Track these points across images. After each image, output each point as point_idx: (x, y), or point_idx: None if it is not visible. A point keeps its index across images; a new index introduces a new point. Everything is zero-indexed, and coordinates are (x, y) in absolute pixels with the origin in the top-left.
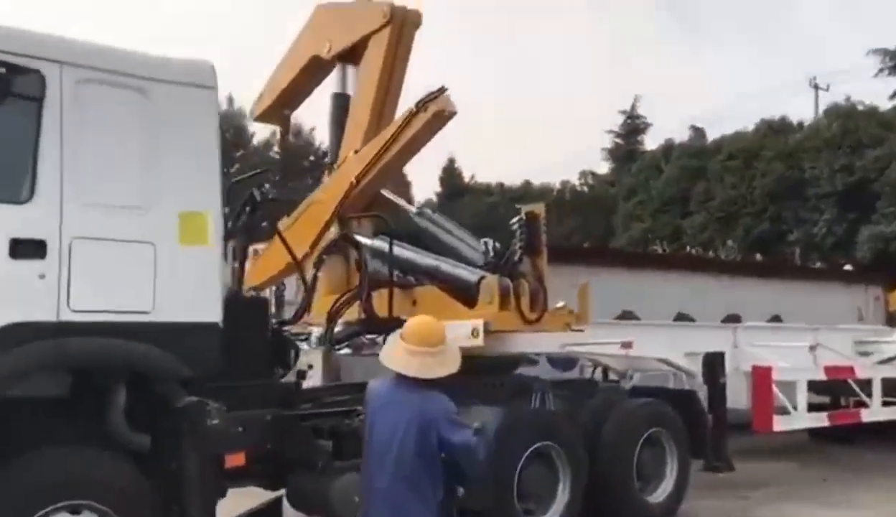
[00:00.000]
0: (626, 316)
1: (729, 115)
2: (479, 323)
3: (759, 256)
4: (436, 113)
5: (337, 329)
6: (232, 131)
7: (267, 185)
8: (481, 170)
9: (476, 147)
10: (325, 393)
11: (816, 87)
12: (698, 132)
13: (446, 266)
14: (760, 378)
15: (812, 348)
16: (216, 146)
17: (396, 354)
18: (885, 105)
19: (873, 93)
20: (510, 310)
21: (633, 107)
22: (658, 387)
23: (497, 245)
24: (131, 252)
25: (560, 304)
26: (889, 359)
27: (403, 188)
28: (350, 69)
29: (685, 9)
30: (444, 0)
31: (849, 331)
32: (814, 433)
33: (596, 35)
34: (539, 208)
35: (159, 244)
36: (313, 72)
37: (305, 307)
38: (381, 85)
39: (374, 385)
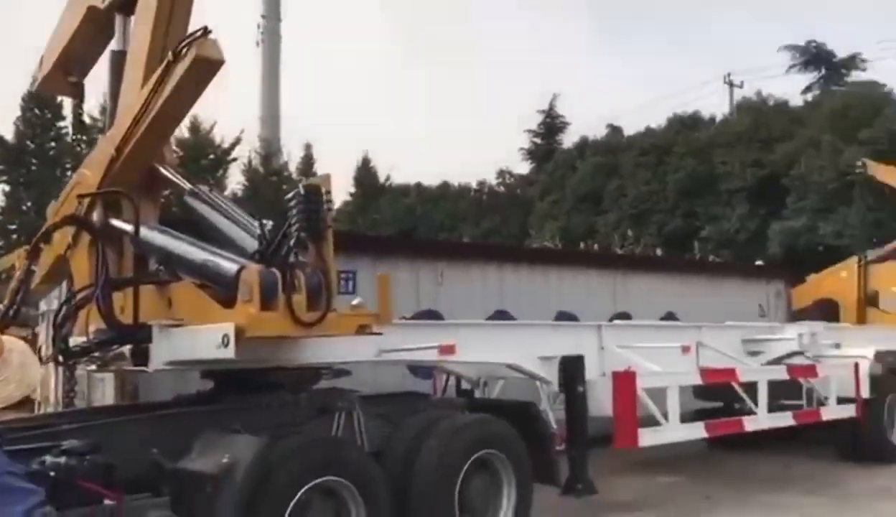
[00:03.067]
0: (499, 316)
1: (648, 113)
2: (229, 328)
3: (658, 251)
4: (195, 60)
5: (80, 339)
6: None
7: None
8: (398, 170)
9: (393, 146)
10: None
11: (731, 84)
12: (615, 130)
13: (207, 255)
14: (622, 385)
15: (686, 349)
16: None
17: None
18: (796, 100)
19: (786, 88)
20: (278, 309)
21: (552, 106)
22: (497, 399)
23: (269, 227)
24: None
25: (356, 301)
26: (779, 359)
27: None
28: (130, 21)
29: (605, 9)
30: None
31: (737, 329)
32: (713, 439)
33: (517, 34)
34: (322, 181)
35: None
36: (93, 26)
37: (14, 310)
38: (157, 38)
39: None
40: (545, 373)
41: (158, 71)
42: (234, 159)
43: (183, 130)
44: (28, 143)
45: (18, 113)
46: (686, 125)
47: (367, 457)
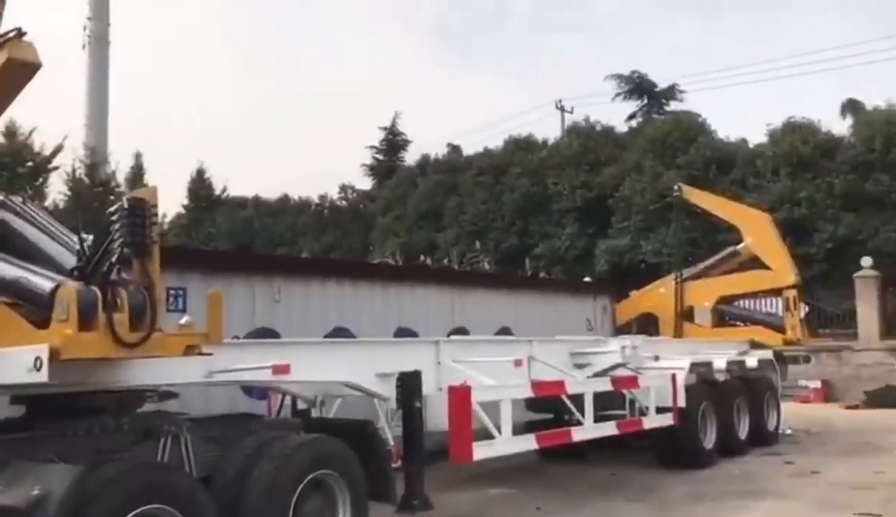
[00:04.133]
0: (338, 333)
1: (486, 134)
2: (42, 349)
3: (486, 266)
4: (6, 63)
5: None
6: None
7: None
8: (234, 182)
9: (228, 158)
10: None
11: (562, 109)
12: (455, 149)
13: (19, 272)
14: (458, 399)
15: (518, 363)
16: None
17: None
18: (621, 127)
19: (612, 115)
20: (97, 329)
21: (394, 123)
22: (333, 418)
23: (89, 242)
24: None
25: (184, 320)
26: (604, 371)
27: None
28: None
29: (452, 33)
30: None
31: (565, 343)
32: (543, 450)
33: (362, 50)
34: (148, 193)
35: None
36: None
37: None
38: None
39: None
40: (382, 390)
41: None
42: (56, 168)
43: None
44: None
45: None
46: (521, 147)
47: (195, 483)
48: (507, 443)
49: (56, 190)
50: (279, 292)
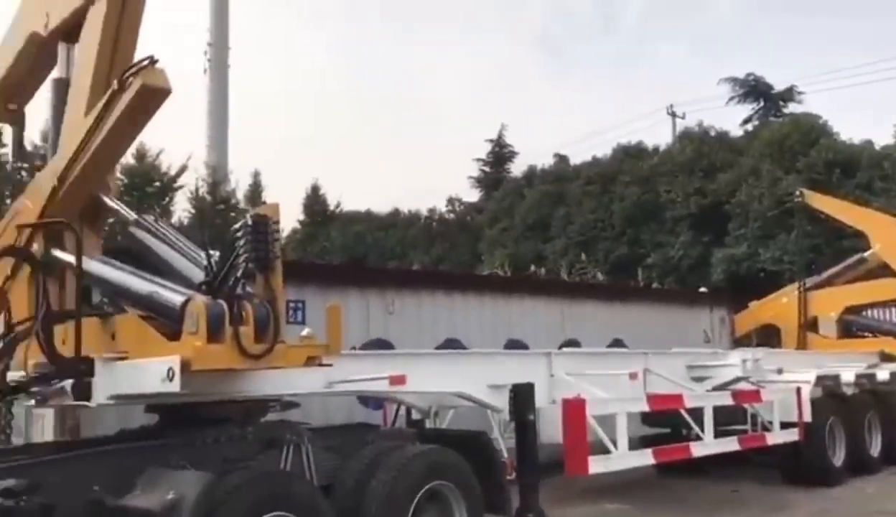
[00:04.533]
0: (449, 344)
1: (593, 143)
2: (174, 361)
3: (599, 276)
4: (139, 90)
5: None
6: None
7: None
8: (348, 197)
9: (343, 174)
10: None
11: (673, 115)
12: (562, 159)
13: (153, 287)
14: (573, 412)
15: (633, 376)
16: None
17: None
18: (736, 131)
19: (726, 120)
20: (224, 342)
21: (500, 135)
22: (447, 429)
23: (216, 257)
24: None
25: (305, 332)
26: (724, 385)
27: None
28: (74, 49)
29: (555, 45)
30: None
31: (682, 356)
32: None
33: (468, 65)
34: (270, 210)
35: None
36: (35, 53)
37: None
38: (101, 66)
39: None
40: (495, 402)
41: (103, 100)
42: (181, 187)
43: (128, 157)
44: None
45: None
46: (630, 155)
47: (316, 491)
48: (623, 458)
49: (181, 208)
50: (393, 304)
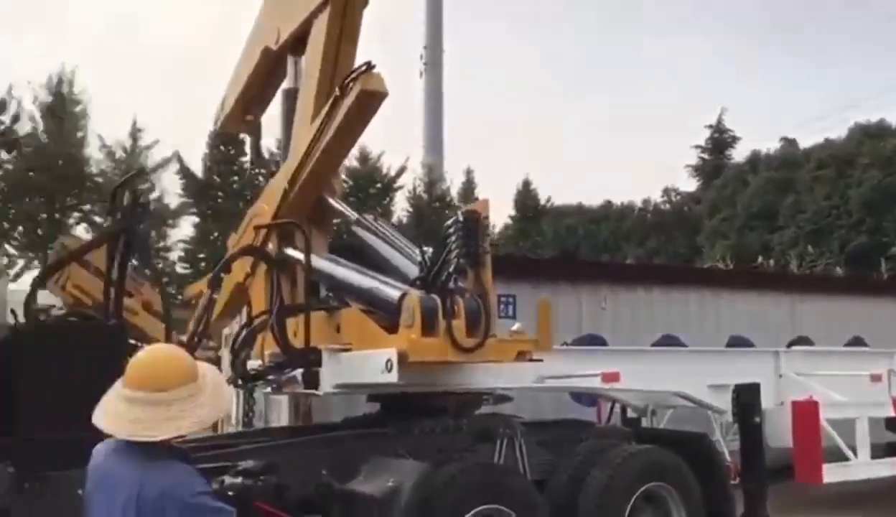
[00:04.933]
0: (666, 340)
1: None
2: (392, 353)
3: (838, 270)
4: (359, 94)
5: (256, 362)
6: None
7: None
8: (559, 191)
9: (553, 168)
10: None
11: None
12: (790, 143)
13: (372, 282)
14: (804, 416)
15: (876, 378)
16: None
17: (109, 404)
18: None
19: None
20: (438, 335)
21: (720, 120)
22: (666, 429)
23: (429, 253)
24: None
25: (516, 327)
26: None
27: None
28: (301, 61)
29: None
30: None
31: None
32: None
33: (686, 51)
34: (481, 206)
35: None
36: (267, 67)
37: (199, 337)
38: (325, 74)
39: (99, 449)
40: (717, 403)
41: (326, 106)
42: (400, 187)
43: (352, 160)
44: (215, 177)
45: (206, 150)
46: (870, 135)
47: (530, 486)
48: (863, 467)
49: (400, 207)
50: (605, 300)
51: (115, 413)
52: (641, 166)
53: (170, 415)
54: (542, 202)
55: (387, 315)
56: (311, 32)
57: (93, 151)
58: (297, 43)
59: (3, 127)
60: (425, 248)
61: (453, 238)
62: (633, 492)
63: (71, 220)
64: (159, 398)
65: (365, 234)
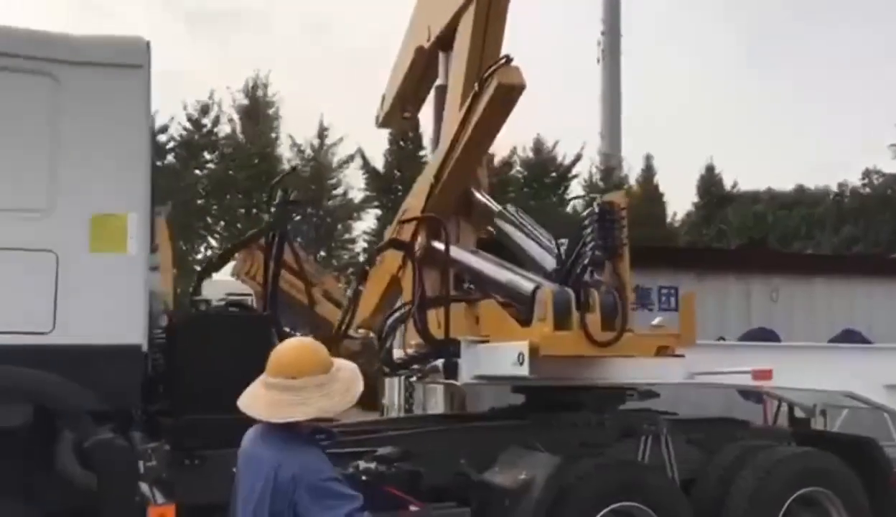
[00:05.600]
0: (846, 336)
1: None
2: (524, 346)
3: None
4: (497, 87)
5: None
6: None
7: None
8: (745, 176)
9: (738, 152)
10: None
11: None
12: None
13: (510, 275)
14: None
15: None
16: (143, 136)
17: (252, 388)
18: None
19: None
20: (571, 329)
21: None
22: (831, 432)
23: (565, 245)
24: (25, 262)
25: (656, 321)
26: None
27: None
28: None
29: None
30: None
31: None
32: None
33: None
34: (618, 197)
35: (63, 252)
36: (421, 65)
37: (345, 327)
38: (471, 70)
39: (248, 434)
40: (894, 404)
41: (468, 100)
42: (576, 176)
43: (526, 150)
44: (395, 172)
45: (387, 146)
46: None
47: (672, 485)
48: None
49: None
50: (777, 291)
51: (254, 395)
52: (835, 148)
53: (298, 400)
54: (728, 187)
55: (523, 308)
56: (458, 28)
57: (284, 150)
58: (447, 40)
59: (205, 129)
60: (562, 241)
61: (589, 230)
62: (787, 496)
63: (266, 216)
64: (290, 384)
65: (507, 227)
